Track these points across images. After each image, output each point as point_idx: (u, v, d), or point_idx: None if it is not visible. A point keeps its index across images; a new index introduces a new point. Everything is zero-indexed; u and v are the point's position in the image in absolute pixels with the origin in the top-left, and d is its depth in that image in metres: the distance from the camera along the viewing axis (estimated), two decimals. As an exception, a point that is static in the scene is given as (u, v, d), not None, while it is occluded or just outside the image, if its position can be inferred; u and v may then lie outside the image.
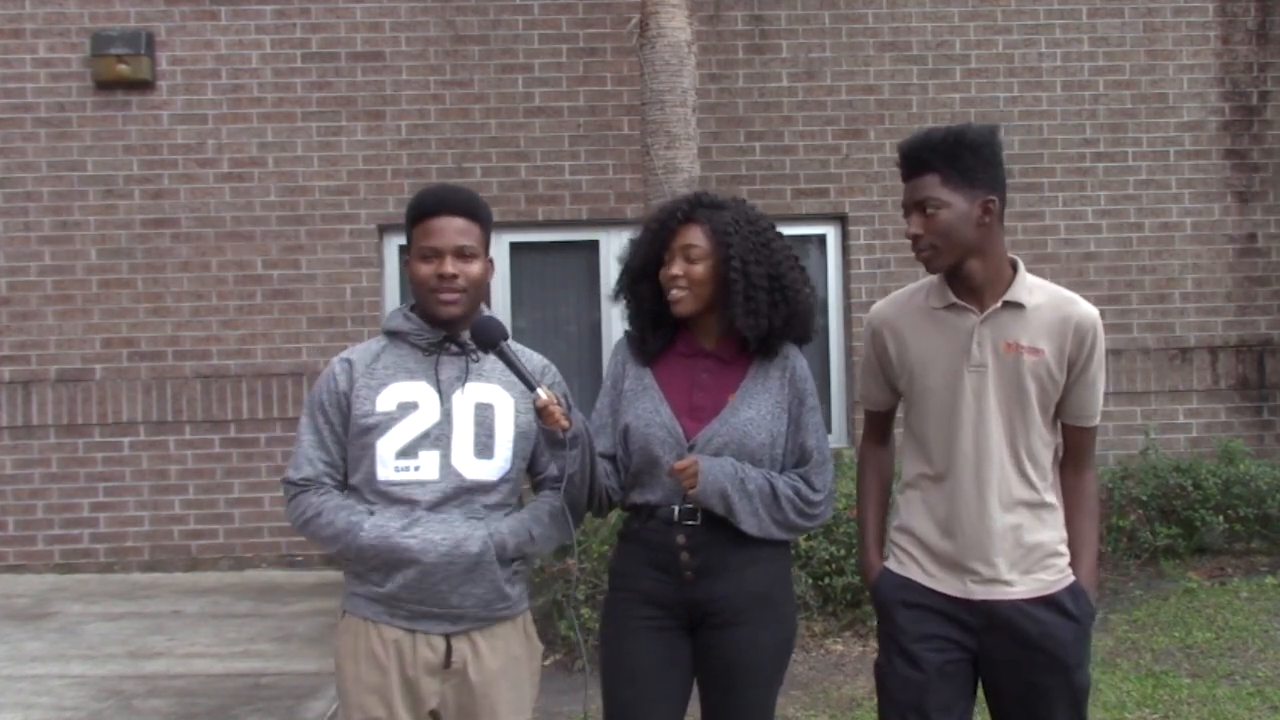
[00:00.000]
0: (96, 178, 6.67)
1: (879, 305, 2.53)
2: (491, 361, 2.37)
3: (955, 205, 2.27)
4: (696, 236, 2.45)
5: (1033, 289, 2.35)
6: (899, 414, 2.61)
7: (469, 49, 6.77)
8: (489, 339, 2.27)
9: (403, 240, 2.61)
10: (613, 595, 2.55)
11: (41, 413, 6.63)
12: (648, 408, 2.46)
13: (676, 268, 2.44)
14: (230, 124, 6.70)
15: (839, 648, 4.92)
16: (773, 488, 2.41)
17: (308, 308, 6.71)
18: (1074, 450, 2.42)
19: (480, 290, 2.39)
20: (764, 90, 6.86)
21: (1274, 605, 5.34)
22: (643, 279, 2.52)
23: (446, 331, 2.37)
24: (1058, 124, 6.95)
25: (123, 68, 6.56)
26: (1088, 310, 2.34)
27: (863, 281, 6.84)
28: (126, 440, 6.64)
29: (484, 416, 2.35)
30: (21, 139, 6.65)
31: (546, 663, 4.84)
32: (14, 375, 6.64)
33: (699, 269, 2.44)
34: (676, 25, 5.16)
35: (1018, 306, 2.32)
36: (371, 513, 2.30)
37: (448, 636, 2.31)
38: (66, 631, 5.35)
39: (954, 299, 2.35)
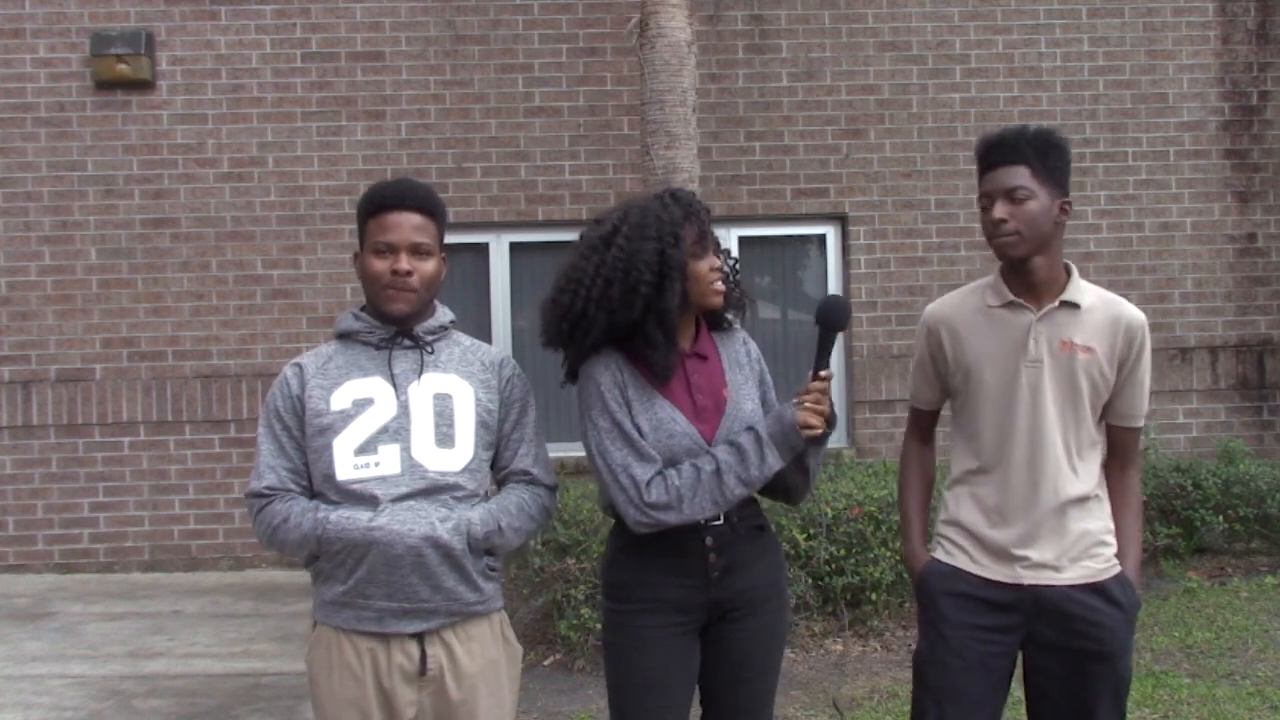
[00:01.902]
0: (96, 178, 6.67)
1: (935, 305, 2.61)
2: (447, 352, 2.36)
3: (1040, 198, 2.35)
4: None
5: (1086, 291, 2.45)
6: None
7: (469, 49, 6.77)
8: (837, 323, 2.33)
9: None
10: (626, 607, 2.45)
11: (41, 413, 6.63)
12: (663, 417, 2.39)
13: (717, 261, 2.43)
14: (230, 124, 6.70)
15: (839, 648, 4.92)
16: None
17: (308, 308, 6.71)
18: (1119, 449, 2.49)
19: (433, 289, 2.34)
20: (764, 90, 6.86)
21: (1274, 605, 5.34)
22: (683, 279, 2.39)
23: (398, 327, 2.33)
24: (1058, 124, 6.92)
25: (123, 68, 6.56)
26: (1136, 313, 2.45)
27: (863, 281, 6.84)
28: (126, 440, 6.65)
29: (443, 406, 2.30)
30: (21, 139, 6.65)
31: (546, 662, 4.84)
32: (14, 375, 6.64)
33: (720, 260, 2.46)
34: (676, 25, 5.16)
35: (1074, 306, 2.41)
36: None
37: (420, 640, 2.25)
38: (66, 631, 5.35)
39: (1012, 297, 2.44)
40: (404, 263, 2.26)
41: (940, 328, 2.53)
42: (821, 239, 6.97)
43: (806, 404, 2.32)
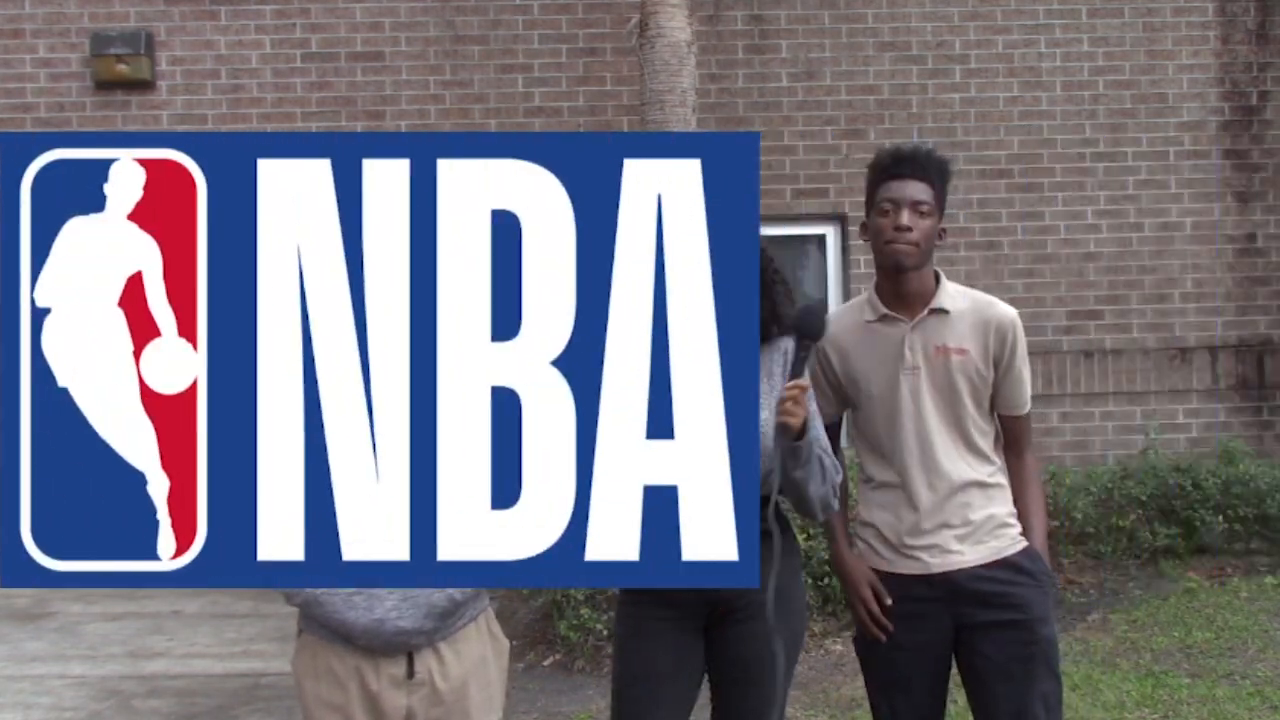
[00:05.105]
0: (96, 178, 6.66)
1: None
2: None
3: (934, 218, 2.54)
4: None
5: (955, 296, 2.59)
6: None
7: (469, 49, 6.77)
8: (819, 332, 2.33)
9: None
10: (626, 597, 2.55)
11: (41, 413, 6.62)
12: None
13: None
14: (230, 124, 6.69)
15: (839, 648, 4.92)
16: (823, 462, 2.43)
17: (308, 308, 6.71)
18: (1012, 437, 2.65)
19: None
20: (764, 90, 6.86)
21: (1274, 605, 5.34)
22: None
23: None
24: (1058, 124, 6.95)
25: (123, 68, 6.56)
26: (1006, 311, 2.59)
27: (862, 281, 6.84)
28: (126, 440, 6.64)
29: None
30: (21, 139, 6.65)
31: (546, 662, 4.84)
32: (14, 375, 6.64)
33: None
34: (676, 25, 5.16)
35: (943, 312, 2.56)
36: None
37: (409, 652, 2.27)
38: (66, 631, 5.35)
39: (885, 310, 2.59)
40: None
41: (827, 346, 2.63)
42: (821, 239, 6.96)
43: None
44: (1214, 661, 4.62)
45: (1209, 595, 5.50)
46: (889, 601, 2.54)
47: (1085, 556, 5.85)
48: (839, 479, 2.50)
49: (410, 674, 2.25)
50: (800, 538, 4.89)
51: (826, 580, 4.93)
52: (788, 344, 2.55)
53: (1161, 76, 7.01)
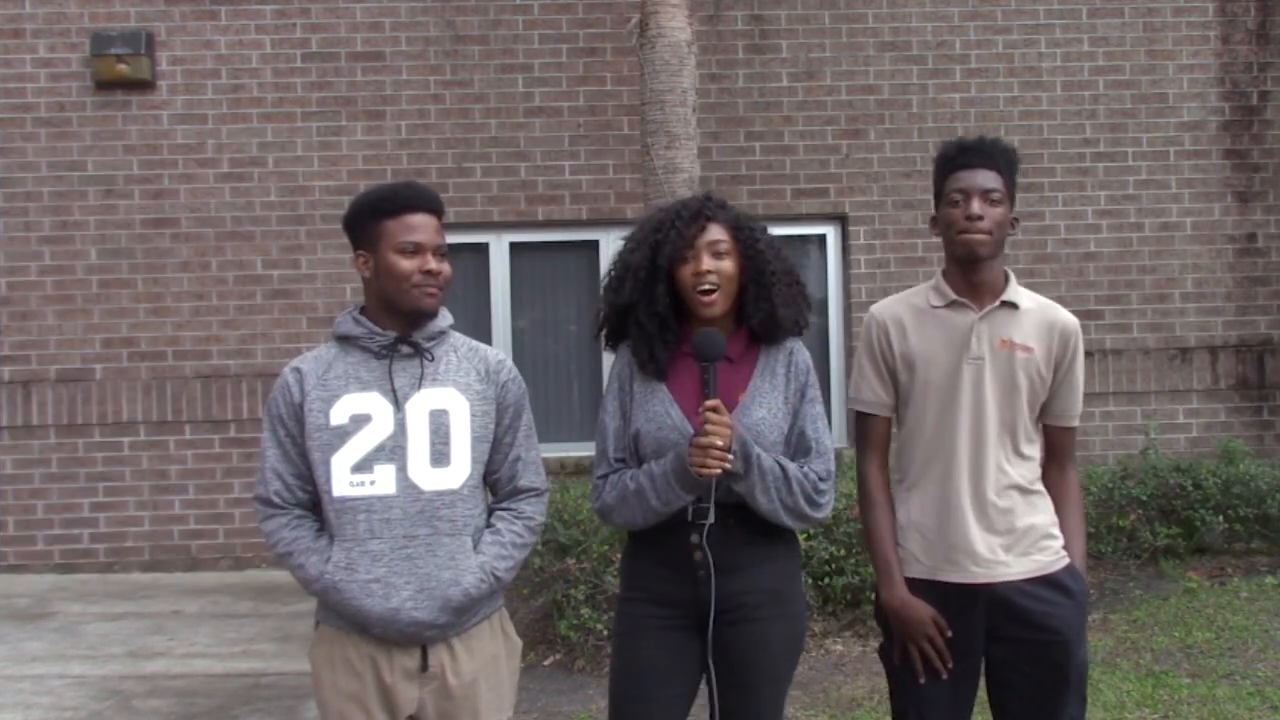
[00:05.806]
0: (96, 178, 6.67)
1: (881, 302, 2.67)
2: (445, 360, 2.37)
3: (1005, 206, 2.49)
4: (720, 233, 2.47)
5: (1023, 294, 2.55)
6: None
7: (469, 49, 6.77)
8: (713, 354, 2.35)
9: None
10: (624, 595, 2.57)
11: (41, 413, 6.63)
12: (658, 411, 2.46)
13: (707, 264, 2.43)
14: (230, 124, 6.70)
15: (839, 648, 4.92)
16: (784, 470, 2.41)
17: (308, 308, 6.71)
18: (1057, 449, 2.61)
19: (447, 292, 2.39)
20: (764, 90, 6.86)
21: (1274, 605, 5.34)
22: (656, 281, 2.47)
23: (399, 332, 2.33)
24: (1058, 124, 6.95)
25: (123, 68, 6.56)
26: (1070, 317, 2.57)
27: (863, 281, 6.84)
28: (126, 440, 6.64)
29: (439, 423, 2.31)
30: (21, 139, 6.65)
31: (546, 662, 4.84)
32: (14, 375, 6.64)
33: (727, 265, 2.45)
34: (676, 25, 5.16)
35: (1013, 307, 2.52)
36: (332, 539, 2.30)
37: (423, 644, 2.32)
38: (66, 631, 5.35)
39: (955, 296, 2.52)
40: (433, 263, 2.31)
41: (888, 323, 2.58)
42: (821, 239, 6.96)
43: (694, 444, 2.33)
44: (1214, 661, 4.62)
45: (1209, 595, 5.50)
46: (950, 634, 2.46)
47: (1085, 556, 5.85)
48: (820, 485, 2.44)
49: (424, 667, 2.30)
50: (800, 536, 4.89)
51: (827, 580, 4.93)
52: (794, 345, 2.56)
53: (1161, 76, 7.02)
